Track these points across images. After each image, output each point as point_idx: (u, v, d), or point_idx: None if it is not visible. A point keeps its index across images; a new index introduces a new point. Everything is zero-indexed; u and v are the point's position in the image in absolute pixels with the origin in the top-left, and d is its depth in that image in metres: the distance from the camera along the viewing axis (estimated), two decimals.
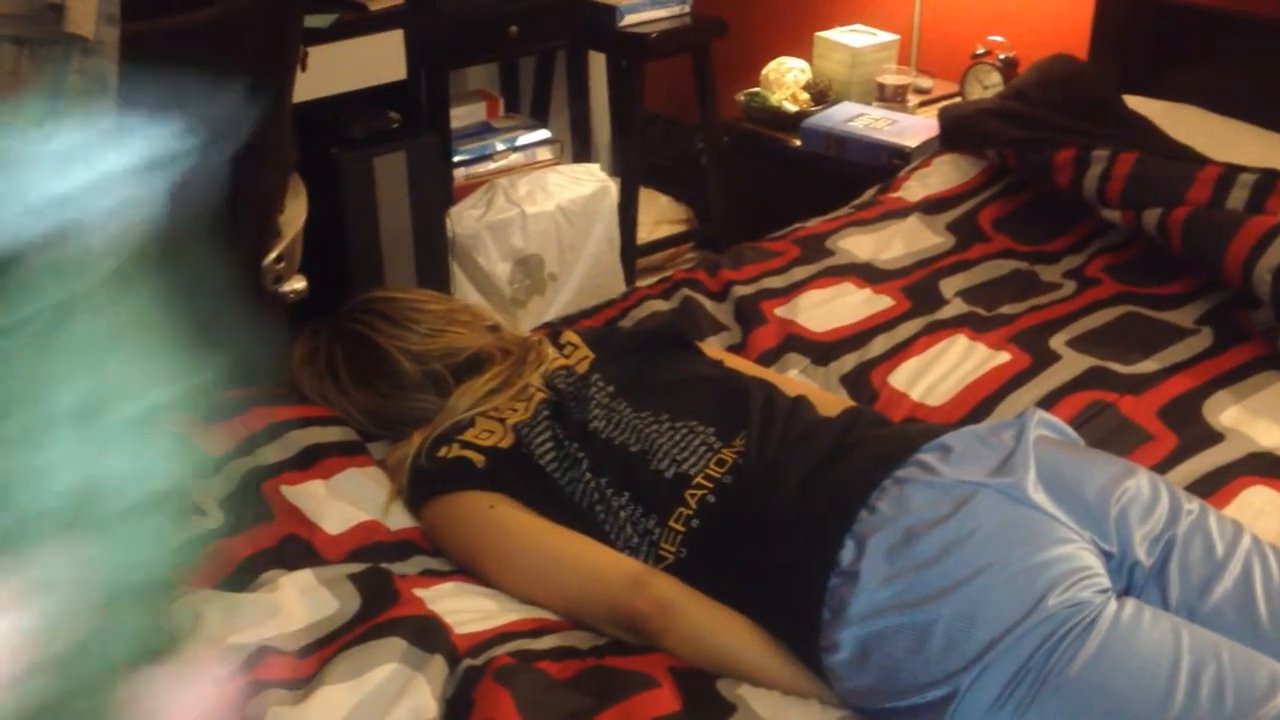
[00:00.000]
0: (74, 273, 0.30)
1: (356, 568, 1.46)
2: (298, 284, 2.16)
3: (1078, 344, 2.01)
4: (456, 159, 3.09)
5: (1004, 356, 1.97)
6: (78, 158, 0.30)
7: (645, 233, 3.47)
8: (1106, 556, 1.34)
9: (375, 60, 2.74)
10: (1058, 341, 2.01)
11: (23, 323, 0.28)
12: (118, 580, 0.27)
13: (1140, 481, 1.39)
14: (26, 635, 0.25)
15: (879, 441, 1.47)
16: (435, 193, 2.90)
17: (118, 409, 0.29)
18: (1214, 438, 1.78)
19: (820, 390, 1.85)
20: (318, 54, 2.38)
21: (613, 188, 3.20)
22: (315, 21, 2.55)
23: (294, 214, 2.17)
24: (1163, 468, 1.68)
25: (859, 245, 2.35)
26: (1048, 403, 1.83)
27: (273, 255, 2.06)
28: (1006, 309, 2.13)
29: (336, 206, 2.71)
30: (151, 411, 0.29)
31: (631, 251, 3.33)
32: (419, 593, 1.43)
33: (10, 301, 0.28)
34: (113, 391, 0.29)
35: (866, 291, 2.19)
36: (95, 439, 0.28)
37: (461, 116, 3.17)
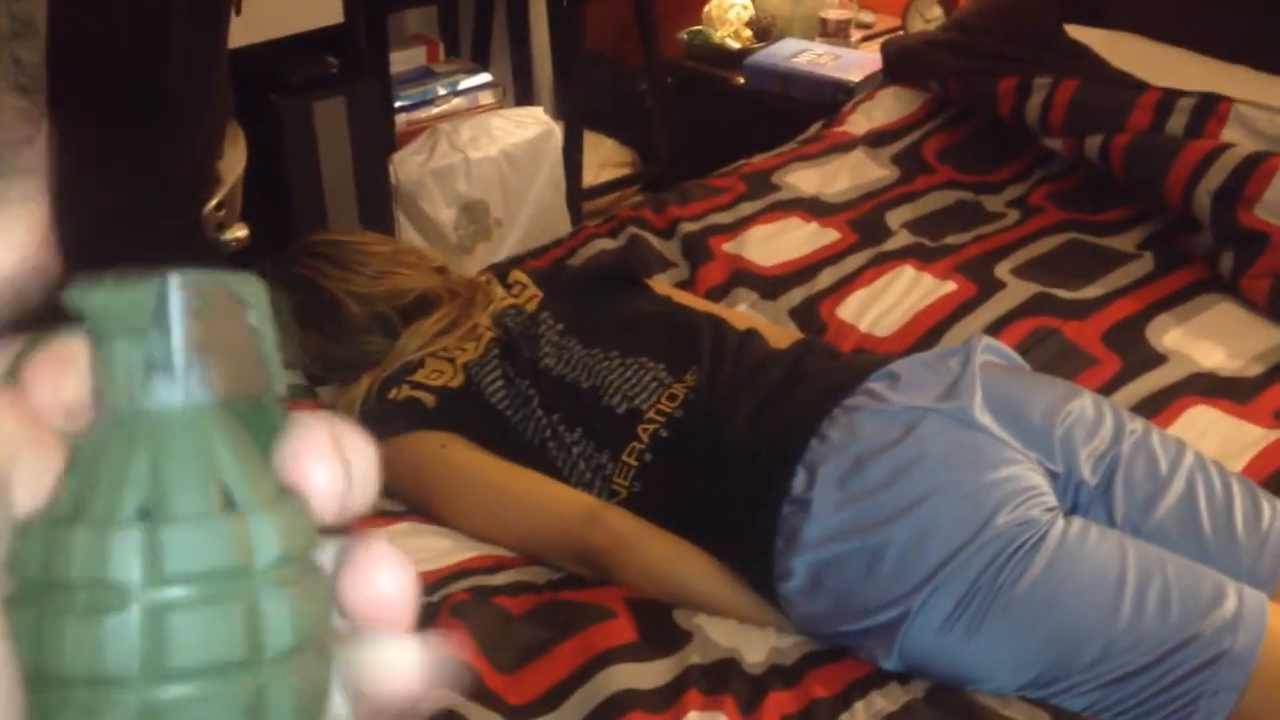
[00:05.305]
0: None
1: None
2: (239, 232, 2.12)
3: (1022, 272, 2.03)
4: (397, 104, 3.05)
5: (950, 286, 1.98)
6: None
7: (590, 176, 3.45)
8: (1053, 476, 1.35)
9: (311, 3, 2.69)
10: (1002, 270, 2.03)
11: None
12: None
13: (1085, 402, 1.41)
14: None
15: (828, 372, 1.48)
16: (377, 139, 2.86)
17: None
18: (1157, 360, 1.80)
19: (769, 324, 1.86)
20: None
21: (557, 131, 3.17)
22: None
23: (233, 160, 2.13)
24: (1107, 390, 1.71)
25: (805, 180, 2.35)
26: (994, 330, 1.85)
27: (213, 203, 2.03)
28: (951, 239, 2.15)
29: (277, 154, 2.67)
30: None
31: (577, 196, 3.30)
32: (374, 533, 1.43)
33: None
34: None
35: (813, 225, 2.20)
36: None
37: (401, 61, 3.13)
